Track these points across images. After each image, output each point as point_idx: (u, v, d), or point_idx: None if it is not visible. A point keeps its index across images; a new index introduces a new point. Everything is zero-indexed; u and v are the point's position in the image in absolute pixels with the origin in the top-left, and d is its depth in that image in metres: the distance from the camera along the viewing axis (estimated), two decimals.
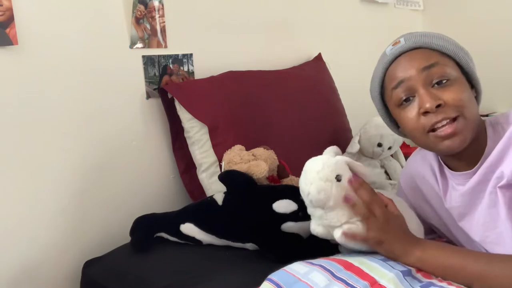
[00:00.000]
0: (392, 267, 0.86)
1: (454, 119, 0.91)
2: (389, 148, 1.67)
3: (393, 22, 2.36)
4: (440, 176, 1.05)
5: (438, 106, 0.90)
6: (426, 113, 0.92)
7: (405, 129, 0.98)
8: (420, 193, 1.10)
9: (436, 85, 0.92)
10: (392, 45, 0.99)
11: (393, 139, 1.66)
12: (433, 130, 0.92)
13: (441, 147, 0.94)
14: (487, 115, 2.27)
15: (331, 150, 0.98)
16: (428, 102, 0.90)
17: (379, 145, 1.65)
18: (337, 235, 0.90)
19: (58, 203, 1.30)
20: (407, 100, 0.95)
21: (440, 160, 1.04)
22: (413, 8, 2.57)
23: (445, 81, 0.92)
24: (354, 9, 2.24)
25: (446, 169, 1.03)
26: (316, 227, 0.94)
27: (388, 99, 1.00)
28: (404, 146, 1.88)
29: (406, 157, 1.79)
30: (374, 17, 2.30)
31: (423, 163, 1.09)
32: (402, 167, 1.74)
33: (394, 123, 1.05)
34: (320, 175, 0.91)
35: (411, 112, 0.94)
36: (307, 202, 0.94)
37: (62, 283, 1.33)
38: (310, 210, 0.95)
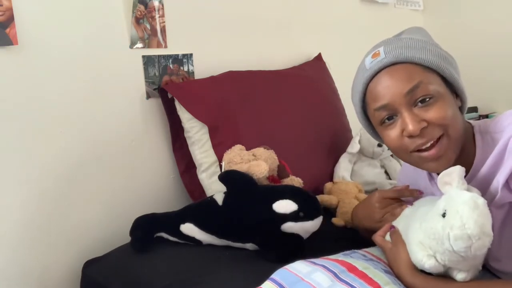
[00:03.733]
0: (395, 279, 0.87)
1: (438, 139, 0.89)
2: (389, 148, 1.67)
3: (393, 22, 2.36)
4: (429, 178, 1.06)
5: (423, 128, 0.89)
6: (410, 136, 0.90)
7: (389, 147, 0.97)
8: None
9: (419, 104, 0.90)
10: (371, 57, 0.94)
11: None
12: (417, 150, 0.91)
13: (425, 167, 0.94)
14: (487, 116, 2.27)
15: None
16: (412, 126, 0.88)
17: (379, 145, 1.65)
18: (460, 277, 0.85)
19: (58, 203, 1.30)
20: (390, 118, 0.93)
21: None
22: (413, 8, 2.57)
23: (428, 99, 0.89)
24: (354, 9, 2.24)
25: (434, 174, 1.03)
26: (429, 260, 0.85)
27: (371, 116, 0.98)
28: None
29: None
30: (374, 17, 2.30)
31: (414, 171, 1.08)
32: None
33: (377, 135, 1.03)
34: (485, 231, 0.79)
35: (393, 132, 0.93)
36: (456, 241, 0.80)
37: (62, 283, 1.33)
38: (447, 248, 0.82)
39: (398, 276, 0.90)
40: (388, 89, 0.91)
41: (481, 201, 0.80)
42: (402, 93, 0.90)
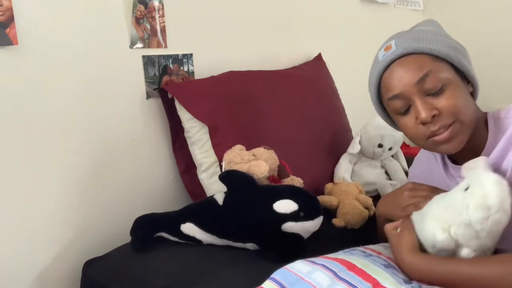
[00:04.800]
0: (395, 274, 0.86)
1: (450, 125, 0.94)
2: (390, 148, 1.67)
3: (393, 22, 2.35)
4: (444, 169, 1.09)
5: (434, 116, 0.94)
6: (423, 123, 0.95)
7: (406, 134, 1.02)
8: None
9: (431, 93, 0.95)
10: (384, 50, 1.00)
11: (394, 139, 1.65)
12: (431, 136, 0.96)
13: (439, 150, 0.99)
14: None
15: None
16: (424, 113, 0.93)
17: (380, 145, 1.65)
18: (465, 253, 0.85)
19: (57, 203, 1.30)
20: (406, 111, 0.98)
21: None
22: (413, 8, 2.58)
23: (439, 88, 0.94)
24: (354, 9, 2.24)
25: (449, 164, 1.06)
26: (442, 233, 0.85)
27: (386, 105, 1.03)
28: (404, 146, 1.88)
29: (406, 157, 1.79)
30: (374, 17, 2.30)
31: (429, 163, 1.13)
32: (402, 167, 1.74)
33: (395, 123, 1.08)
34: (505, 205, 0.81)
35: (409, 120, 0.98)
36: (478, 214, 0.82)
37: (62, 283, 1.33)
38: (474, 221, 0.82)
39: (398, 260, 0.91)
40: (400, 79, 0.96)
41: (506, 181, 0.83)
42: (413, 82, 0.95)
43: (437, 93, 0.94)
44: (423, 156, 1.19)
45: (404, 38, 0.98)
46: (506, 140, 0.93)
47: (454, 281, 0.85)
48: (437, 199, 0.92)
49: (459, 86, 0.96)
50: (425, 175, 1.14)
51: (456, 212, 0.84)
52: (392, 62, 0.98)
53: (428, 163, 1.15)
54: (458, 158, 1.03)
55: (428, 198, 1.01)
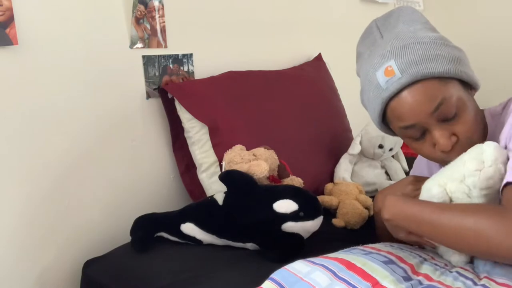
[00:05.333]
0: (394, 271, 0.86)
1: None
2: (390, 149, 1.67)
3: None
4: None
5: (454, 143, 0.92)
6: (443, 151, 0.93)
7: (420, 155, 1.00)
8: None
9: (447, 120, 0.92)
10: (385, 74, 0.92)
11: (395, 140, 1.66)
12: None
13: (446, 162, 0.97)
14: None
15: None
16: (444, 144, 0.91)
17: (380, 146, 1.65)
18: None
19: (57, 203, 1.30)
20: (422, 135, 0.95)
21: None
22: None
23: (454, 113, 0.91)
24: (354, 9, 2.24)
25: None
26: (438, 187, 0.89)
27: (396, 130, 0.98)
28: (404, 147, 1.88)
29: (407, 157, 1.79)
30: (374, 17, 2.28)
31: (428, 164, 1.13)
32: (402, 167, 1.74)
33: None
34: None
35: (425, 146, 0.95)
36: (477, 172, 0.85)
37: (62, 283, 1.33)
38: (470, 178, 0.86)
39: (382, 215, 0.94)
40: (413, 110, 0.91)
41: (505, 150, 0.86)
42: (428, 112, 0.91)
43: (452, 118, 0.91)
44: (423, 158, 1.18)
45: (406, 60, 0.91)
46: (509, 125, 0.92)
47: (419, 224, 0.87)
48: (439, 172, 0.94)
49: (468, 101, 0.93)
50: (425, 173, 1.14)
51: (454, 170, 0.88)
52: (398, 90, 0.92)
53: (427, 164, 1.15)
54: None
55: None
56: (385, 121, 1.01)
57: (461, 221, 0.82)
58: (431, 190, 0.90)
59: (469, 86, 0.97)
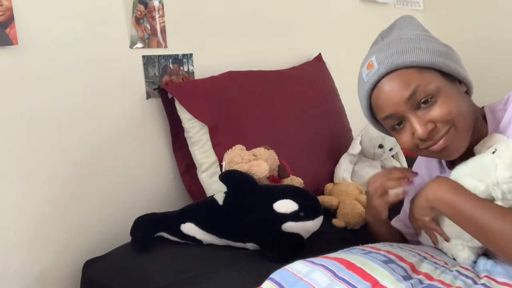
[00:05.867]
0: (394, 271, 0.86)
1: (445, 133, 0.93)
2: (390, 149, 1.67)
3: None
4: (440, 171, 1.09)
5: (431, 130, 0.92)
6: (421, 139, 0.94)
7: (403, 147, 1.01)
8: None
9: (423, 105, 0.93)
10: (366, 69, 0.97)
11: (394, 141, 1.65)
12: (428, 147, 0.95)
13: (438, 157, 0.99)
14: None
15: None
16: (421, 131, 0.92)
17: (380, 146, 1.65)
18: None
19: (57, 203, 1.30)
20: (399, 123, 0.97)
21: None
22: (413, 8, 2.58)
23: (430, 99, 0.92)
24: (354, 9, 2.24)
25: (446, 168, 1.06)
26: (482, 185, 0.89)
27: (381, 122, 1.02)
28: None
29: (407, 157, 1.79)
30: (374, 17, 2.29)
31: (426, 167, 1.13)
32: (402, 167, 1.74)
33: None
34: None
35: (405, 136, 0.97)
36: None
37: (62, 283, 1.33)
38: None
39: (425, 194, 0.94)
40: (389, 99, 0.94)
41: None
42: (403, 100, 0.93)
43: (429, 105, 0.92)
44: (422, 158, 1.18)
45: (385, 53, 0.95)
46: (502, 129, 0.94)
47: (459, 215, 0.88)
48: (465, 164, 0.93)
49: (450, 91, 0.94)
50: (425, 176, 1.13)
51: (485, 172, 0.87)
52: (377, 82, 0.95)
53: (426, 167, 1.15)
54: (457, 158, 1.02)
55: (402, 179, 1.03)
56: (375, 116, 1.03)
57: (502, 225, 0.84)
58: (478, 188, 0.89)
59: (456, 80, 0.97)
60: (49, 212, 1.29)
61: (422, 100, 0.92)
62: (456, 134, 0.93)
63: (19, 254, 1.25)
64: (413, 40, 0.95)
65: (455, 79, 0.97)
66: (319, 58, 1.97)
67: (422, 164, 1.17)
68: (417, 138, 0.94)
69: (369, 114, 1.03)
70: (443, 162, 1.08)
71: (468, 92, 1.00)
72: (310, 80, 1.81)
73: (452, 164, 1.04)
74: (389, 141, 1.65)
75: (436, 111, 0.92)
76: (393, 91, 0.93)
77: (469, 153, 0.97)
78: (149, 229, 1.26)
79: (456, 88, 0.96)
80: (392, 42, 0.96)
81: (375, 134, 1.63)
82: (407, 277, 0.85)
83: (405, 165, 1.76)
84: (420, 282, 0.86)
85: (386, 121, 0.98)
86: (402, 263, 0.90)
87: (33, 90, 1.23)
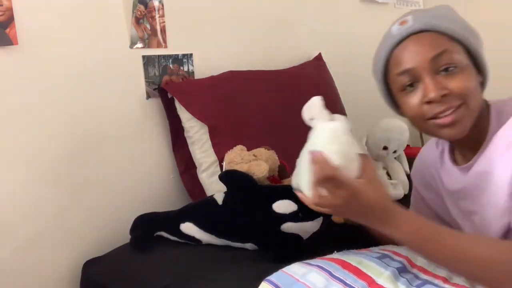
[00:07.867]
0: (387, 265, 0.87)
1: (457, 107, 0.90)
2: (394, 151, 1.68)
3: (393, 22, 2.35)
4: (440, 164, 1.07)
5: (443, 95, 0.89)
6: (429, 102, 0.90)
7: (406, 114, 0.97)
8: (429, 182, 1.11)
9: (442, 72, 0.90)
10: (399, 24, 0.96)
11: (399, 143, 1.67)
12: (434, 117, 0.92)
13: (440, 134, 0.94)
14: None
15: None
16: (433, 92, 0.89)
17: (385, 148, 1.66)
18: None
19: (57, 203, 1.30)
20: (411, 85, 0.93)
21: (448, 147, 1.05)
22: (413, 8, 2.57)
23: (452, 68, 0.90)
24: (354, 9, 2.23)
25: (448, 162, 1.03)
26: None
27: (392, 82, 0.98)
28: (407, 148, 1.88)
29: (408, 157, 1.79)
30: (374, 17, 2.29)
31: (424, 163, 1.10)
32: (403, 168, 1.74)
33: (395, 105, 1.02)
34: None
35: (414, 99, 0.93)
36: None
37: (62, 283, 1.33)
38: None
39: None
40: (414, 53, 0.92)
41: (340, 130, 0.91)
42: (427, 58, 0.90)
43: (449, 73, 0.90)
44: (424, 151, 1.15)
45: (423, 14, 0.95)
46: (502, 135, 0.91)
47: (436, 246, 0.82)
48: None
49: (472, 72, 0.93)
50: (425, 173, 1.13)
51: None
52: (407, 36, 0.93)
53: (426, 165, 1.12)
54: (457, 150, 1.01)
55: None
56: (386, 80, 1.00)
57: (492, 255, 0.81)
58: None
59: (476, 66, 0.95)
60: (48, 212, 1.29)
61: (444, 67, 0.90)
62: (466, 112, 0.90)
63: (19, 254, 1.25)
64: (452, 11, 0.96)
65: (475, 67, 0.95)
66: (319, 58, 1.97)
67: (422, 164, 1.15)
68: (427, 100, 0.90)
69: (382, 72, 0.99)
70: (445, 156, 1.05)
71: (482, 85, 0.98)
72: (310, 80, 1.81)
73: (453, 160, 1.03)
74: (394, 143, 1.66)
75: (454, 82, 0.89)
76: (420, 47, 0.92)
77: (465, 144, 0.95)
78: (148, 228, 1.26)
79: (475, 74, 0.94)
80: (431, 10, 0.97)
81: (381, 135, 1.64)
82: (403, 269, 0.85)
83: (406, 166, 1.75)
84: (416, 277, 0.86)
85: (400, 77, 0.94)
86: (397, 257, 0.90)
87: (33, 89, 1.23)
